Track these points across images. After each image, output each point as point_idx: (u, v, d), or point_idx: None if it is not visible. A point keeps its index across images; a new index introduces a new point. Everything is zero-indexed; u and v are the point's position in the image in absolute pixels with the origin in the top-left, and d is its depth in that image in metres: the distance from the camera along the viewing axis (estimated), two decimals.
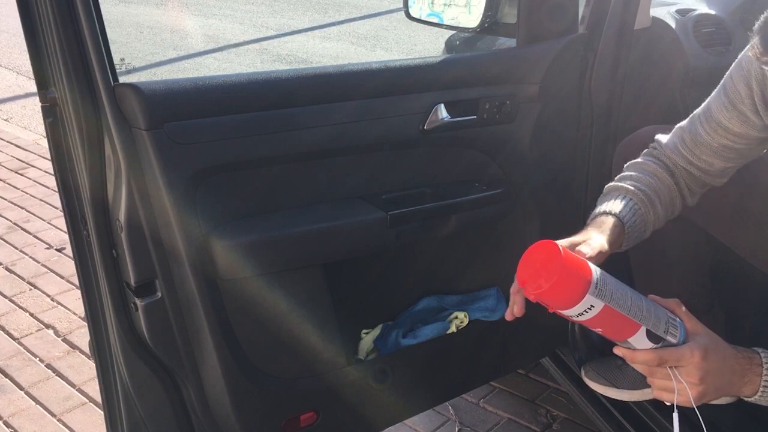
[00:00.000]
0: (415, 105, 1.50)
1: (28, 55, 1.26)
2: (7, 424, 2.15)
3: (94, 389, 2.26)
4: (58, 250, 3.13)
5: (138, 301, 1.31)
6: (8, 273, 2.97)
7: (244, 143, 1.33)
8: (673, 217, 1.40)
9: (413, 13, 1.95)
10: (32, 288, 2.86)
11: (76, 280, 2.12)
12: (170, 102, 1.25)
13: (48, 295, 2.80)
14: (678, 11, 1.99)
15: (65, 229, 1.38)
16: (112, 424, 1.46)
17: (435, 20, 1.92)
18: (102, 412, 1.50)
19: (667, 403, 1.13)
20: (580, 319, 1.07)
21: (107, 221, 1.30)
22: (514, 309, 1.16)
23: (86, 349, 2.45)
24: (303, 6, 8.28)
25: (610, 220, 1.28)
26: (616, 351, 1.14)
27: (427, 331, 1.62)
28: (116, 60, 1.24)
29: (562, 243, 1.14)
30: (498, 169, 1.63)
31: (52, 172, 1.35)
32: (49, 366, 2.40)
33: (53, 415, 2.19)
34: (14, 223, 3.38)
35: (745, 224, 1.50)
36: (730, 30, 2.02)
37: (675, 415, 1.10)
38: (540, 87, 1.61)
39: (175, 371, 1.39)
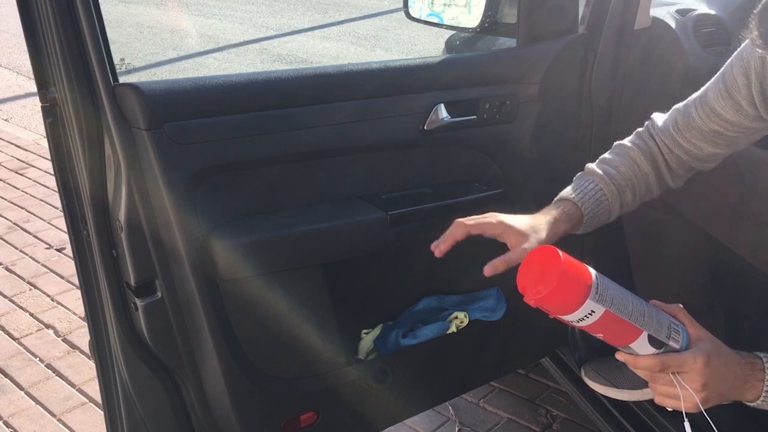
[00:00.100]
0: (415, 105, 1.50)
1: (28, 55, 1.26)
2: (7, 424, 2.15)
3: (94, 389, 2.26)
4: (58, 250, 3.13)
5: (138, 301, 1.31)
6: (8, 273, 2.97)
7: (244, 143, 1.33)
8: (648, 199, 1.43)
9: (413, 13, 1.95)
10: (32, 288, 2.86)
11: (76, 280, 2.12)
12: (170, 102, 1.25)
13: (48, 295, 2.80)
14: (678, 11, 1.99)
15: (65, 229, 1.38)
16: (112, 424, 1.46)
17: (435, 20, 1.91)
18: (102, 412, 1.50)
19: (669, 409, 1.13)
20: (581, 324, 1.06)
21: (107, 221, 1.30)
22: (441, 245, 1.29)
23: (86, 349, 2.45)
24: (303, 6, 8.28)
25: (570, 207, 1.35)
26: (618, 356, 1.13)
27: (427, 331, 1.62)
28: (116, 60, 1.24)
29: (508, 218, 1.28)
30: (498, 169, 1.63)
31: (52, 172, 1.35)
32: (49, 366, 2.40)
33: (53, 415, 2.19)
34: (14, 223, 3.38)
35: (745, 224, 1.50)
36: (730, 30, 2.02)
37: (686, 425, 1.10)
38: (540, 87, 1.61)
39: (175, 371, 1.39)
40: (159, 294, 1.32)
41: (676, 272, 1.65)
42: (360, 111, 1.44)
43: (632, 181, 1.39)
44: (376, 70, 1.50)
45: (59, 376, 2.36)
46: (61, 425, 2.15)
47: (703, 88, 1.37)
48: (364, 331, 1.62)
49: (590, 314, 1.04)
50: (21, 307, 2.73)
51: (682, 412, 1.11)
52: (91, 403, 2.23)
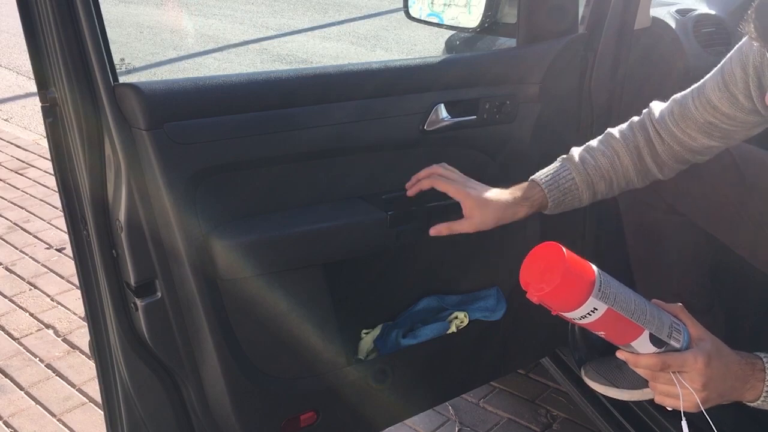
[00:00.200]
0: (415, 105, 1.50)
1: (28, 55, 1.25)
2: (7, 424, 2.15)
3: (94, 389, 2.26)
4: (58, 250, 3.13)
5: (138, 301, 1.31)
6: (8, 273, 2.97)
7: (244, 143, 1.33)
8: (632, 188, 1.49)
9: (413, 13, 1.95)
10: (32, 288, 2.86)
11: (76, 280, 2.12)
12: (170, 102, 1.25)
13: (48, 295, 2.80)
14: (678, 11, 1.99)
15: (65, 229, 1.38)
16: (112, 424, 1.46)
17: (435, 20, 1.91)
18: (102, 412, 1.50)
19: (669, 408, 1.13)
20: (583, 322, 1.07)
21: (107, 221, 1.30)
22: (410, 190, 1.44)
23: (86, 349, 2.45)
24: (303, 6, 8.29)
25: (536, 193, 1.43)
26: (619, 355, 1.14)
27: (427, 331, 1.62)
28: (116, 60, 1.23)
29: (472, 189, 1.40)
30: (498, 169, 1.63)
31: (52, 172, 1.35)
32: (49, 366, 2.40)
33: (53, 415, 2.19)
34: (14, 223, 3.38)
35: (745, 224, 1.50)
36: (730, 30, 2.02)
37: (684, 424, 1.10)
38: (540, 87, 1.61)
39: (175, 371, 1.39)
40: (159, 294, 1.32)
41: (676, 272, 1.65)
42: (360, 111, 1.44)
43: (609, 172, 1.44)
44: (376, 70, 1.50)
45: (59, 376, 2.36)
46: (61, 425, 2.15)
47: (702, 80, 1.39)
48: (364, 331, 1.62)
49: (593, 312, 1.04)
50: (21, 307, 2.73)
51: (681, 412, 1.11)
52: (91, 403, 2.23)
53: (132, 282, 1.29)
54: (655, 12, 1.93)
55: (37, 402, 2.24)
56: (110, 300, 1.33)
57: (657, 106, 1.44)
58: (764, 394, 1.12)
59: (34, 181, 3.85)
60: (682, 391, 1.09)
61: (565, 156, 1.48)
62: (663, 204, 1.57)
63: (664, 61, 1.92)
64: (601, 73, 1.67)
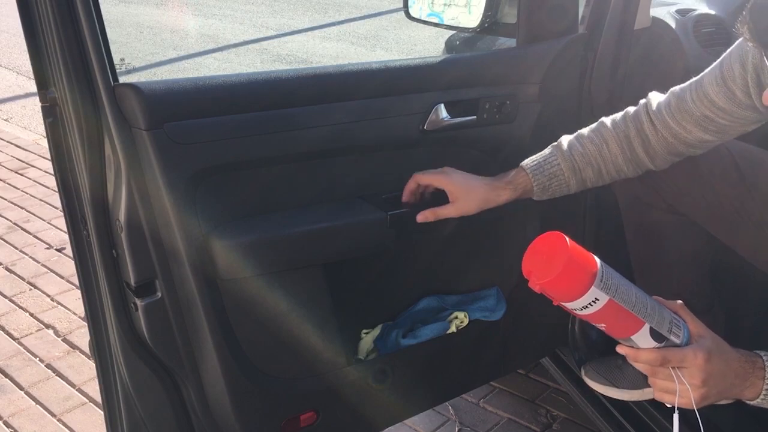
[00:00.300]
0: (415, 105, 1.50)
1: (28, 55, 1.25)
2: (7, 424, 2.15)
3: (94, 389, 2.26)
4: (58, 250, 3.13)
5: (138, 301, 1.31)
6: (8, 273, 2.97)
7: (244, 143, 1.33)
8: (623, 177, 1.50)
9: (413, 13, 1.95)
10: (32, 288, 2.86)
11: (76, 280, 2.12)
12: (170, 102, 1.25)
13: (48, 295, 2.80)
14: (678, 11, 1.99)
15: (65, 229, 1.38)
16: (112, 424, 1.46)
17: (435, 20, 1.91)
18: (102, 412, 1.50)
19: (668, 405, 1.13)
20: (584, 313, 1.06)
21: (107, 221, 1.30)
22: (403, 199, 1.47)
23: (86, 349, 2.45)
24: (303, 6, 8.29)
25: (522, 178, 1.46)
26: (619, 349, 1.13)
27: (427, 331, 1.62)
28: (116, 60, 1.24)
29: (455, 178, 1.43)
30: (498, 169, 1.62)
31: (52, 172, 1.35)
32: (49, 366, 2.40)
33: (53, 415, 2.19)
34: (14, 223, 3.38)
35: (745, 224, 1.50)
36: (730, 30, 2.02)
37: (675, 416, 1.10)
38: (540, 87, 1.61)
39: (175, 371, 1.39)
40: (159, 294, 1.32)
41: (676, 272, 1.65)
42: (360, 111, 1.44)
43: (596, 159, 1.45)
44: (376, 70, 1.50)
45: (59, 376, 2.36)
46: (61, 425, 2.15)
47: (701, 74, 1.40)
48: (364, 331, 1.62)
49: (594, 302, 1.04)
50: (21, 307, 2.73)
51: (679, 409, 1.11)
52: (91, 403, 2.23)
53: (132, 282, 1.29)
54: (655, 12, 1.93)
55: (37, 402, 2.24)
56: (110, 300, 1.33)
57: (655, 97, 1.45)
58: (764, 392, 1.12)
59: (34, 181, 3.85)
60: (680, 387, 1.09)
61: (554, 143, 1.50)
62: (663, 204, 1.57)
63: (664, 61, 1.92)
64: (601, 73, 1.68)
